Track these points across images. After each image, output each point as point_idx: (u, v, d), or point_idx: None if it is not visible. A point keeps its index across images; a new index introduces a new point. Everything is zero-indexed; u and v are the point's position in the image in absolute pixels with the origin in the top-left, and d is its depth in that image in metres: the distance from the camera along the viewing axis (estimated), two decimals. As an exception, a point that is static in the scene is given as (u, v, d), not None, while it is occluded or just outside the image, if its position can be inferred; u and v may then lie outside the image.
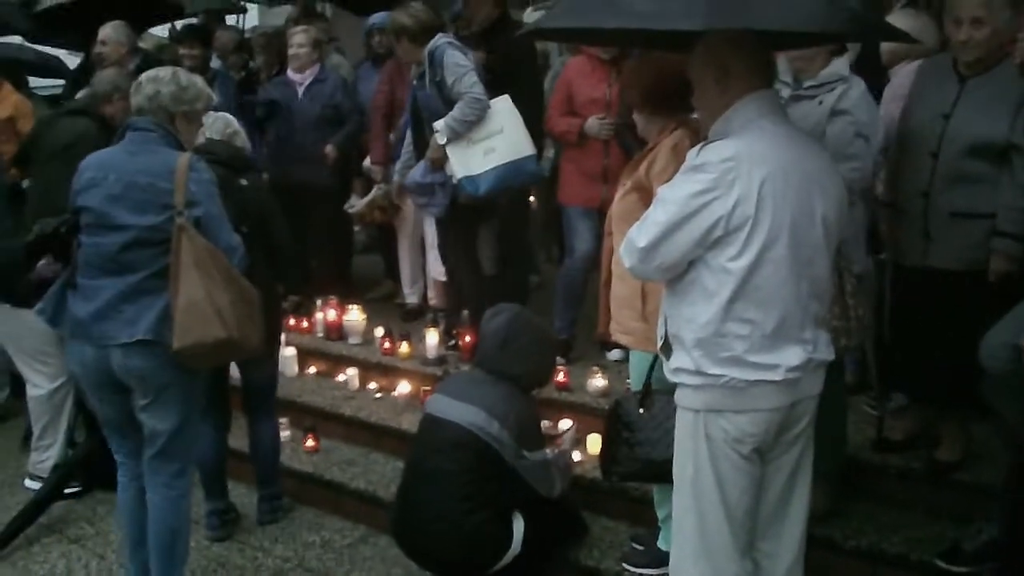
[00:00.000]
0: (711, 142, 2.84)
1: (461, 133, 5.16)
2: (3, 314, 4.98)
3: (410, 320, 6.41)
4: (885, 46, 4.69)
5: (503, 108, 5.23)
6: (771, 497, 3.08)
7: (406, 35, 5.28)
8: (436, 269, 6.09)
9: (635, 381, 3.74)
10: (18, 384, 5.56)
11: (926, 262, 3.86)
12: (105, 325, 3.55)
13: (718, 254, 2.78)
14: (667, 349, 3.01)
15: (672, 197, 2.80)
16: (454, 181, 5.22)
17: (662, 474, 3.28)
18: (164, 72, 3.78)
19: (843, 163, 3.48)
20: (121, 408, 3.74)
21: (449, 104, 5.16)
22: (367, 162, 6.49)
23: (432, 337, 5.71)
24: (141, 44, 7.26)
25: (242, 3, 9.48)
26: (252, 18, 10.27)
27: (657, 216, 2.82)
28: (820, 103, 3.77)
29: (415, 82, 5.42)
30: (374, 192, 6.30)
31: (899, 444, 4.26)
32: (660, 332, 3.06)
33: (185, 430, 3.75)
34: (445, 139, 5.17)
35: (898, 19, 4.52)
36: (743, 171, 2.72)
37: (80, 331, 3.62)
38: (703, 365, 2.86)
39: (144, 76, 3.78)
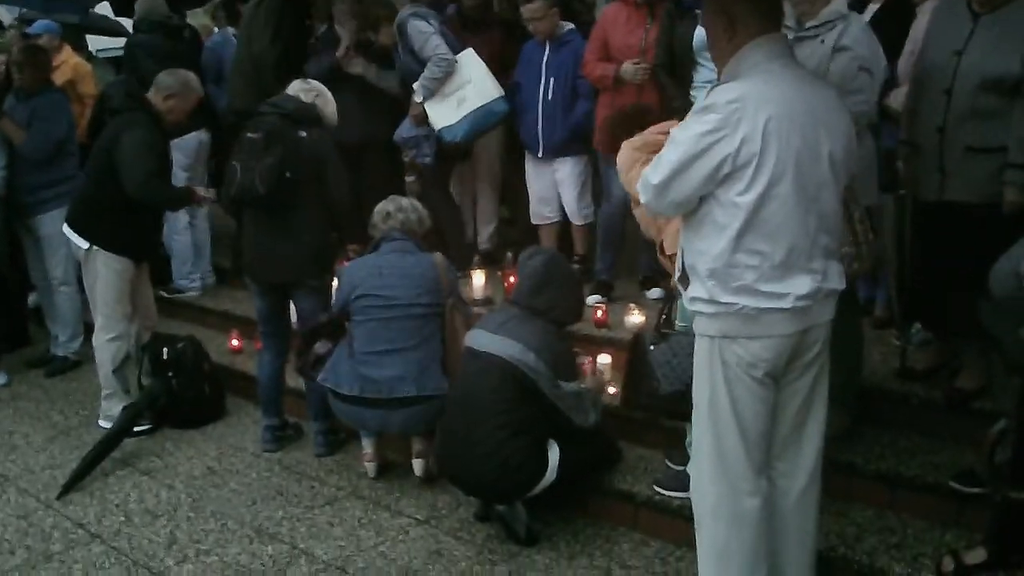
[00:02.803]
0: (720, 84, 3.01)
1: (434, 90, 5.93)
2: (92, 256, 5.33)
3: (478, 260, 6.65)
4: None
5: (469, 60, 5.96)
6: (787, 420, 3.23)
7: (384, 20, 6.06)
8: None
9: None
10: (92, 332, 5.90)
11: (942, 196, 3.96)
12: None
13: (727, 189, 2.94)
14: (684, 280, 3.18)
15: (682, 137, 2.97)
16: (435, 134, 5.99)
17: (673, 408, 3.48)
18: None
19: (848, 97, 3.61)
20: None
21: (423, 67, 5.94)
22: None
23: (479, 278, 5.94)
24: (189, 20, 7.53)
25: None
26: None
27: (669, 155, 2.99)
28: (822, 42, 3.87)
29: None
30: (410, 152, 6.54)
31: (921, 374, 4.41)
32: (678, 264, 3.25)
33: None
34: (422, 97, 5.94)
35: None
36: (748, 111, 2.87)
37: None
38: (716, 294, 3.03)
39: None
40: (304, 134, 4.79)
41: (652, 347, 3.86)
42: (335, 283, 5.08)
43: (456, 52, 5.99)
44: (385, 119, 6.33)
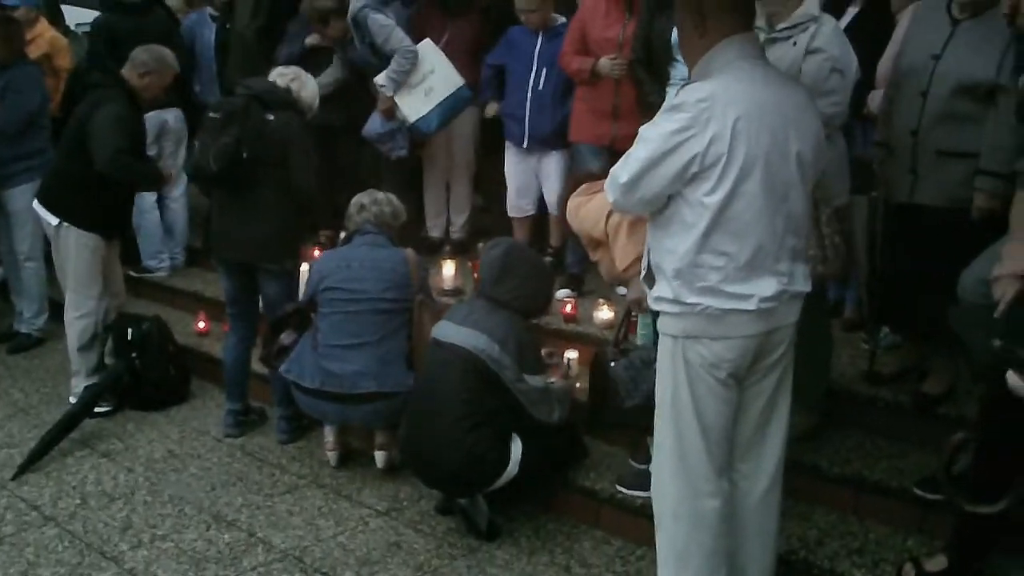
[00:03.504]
0: (690, 82, 2.97)
1: (402, 82, 5.94)
2: (63, 232, 5.26)
3: (431, 253, 6.59)
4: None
5: (428, 49, 6.05)
6: (750, 421, 3.22)
7: (332, 14, 6.04)
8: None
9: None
10: (57, 309, 5.82)
11: (913, 199, 3.96)
12: None
13: (695, 189, 2.91)
14: (650, 279, 3.16)
15: (651, 135, 2.93)
16: (407, 125, 6.03)
17: (636, 421, 3.47)
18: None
19: (821, 99, 3.59)
20: None
21: (383, 59, 5.98)
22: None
23: (448, 268, 5.89)
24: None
25: None
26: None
27: (638, 153, 2.95)
28: (794, 44, 3.85)
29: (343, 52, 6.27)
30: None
31: (889, 377, 4.39)
32: (644, 263, 3.22)
33: None
34: (392, 91, 5.95)
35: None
36: (717, 111, 2.83)
37: None
38: (681, 294, 3.00)
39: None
40: (271, 117, 4.73)
41: (612, 363, 3.88)
42: (304, 270, 5.03)
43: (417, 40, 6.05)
44: (363, 103, 6.28)
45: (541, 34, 5.74)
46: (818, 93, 3.61)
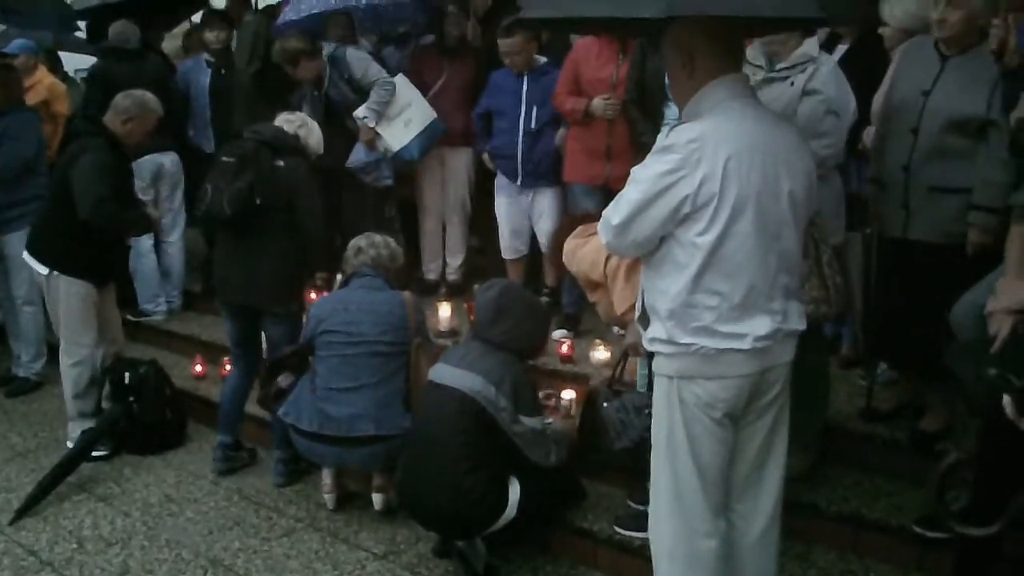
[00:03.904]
0: (679, 124, 3.00)
1: (382, 113, 6.17)
2: (53, 281, 5.28)
3: (428, 295, 6.61)
4: (886, 29, 4.77)
5: (403, 84, 6.29)
6: (746, 461, 3.21)
7: (303, 55, 6.12)
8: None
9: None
10: (55, 353, 5.82)
11: (906, 235, 3.98)
12: None
13: (687, 230, 2.92)
14: (644, 320, 3.17)
15: (642, 176, 2.95)
16: (389, 156, 6.26)
17: (625, 463, 3.46)
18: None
19: (815, 140, 3.63)
20: None
21: (362, 94, 6.22)
22: None
23: (444, 310, 5.90)
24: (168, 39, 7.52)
25: None
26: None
27: (629, 195, 2.97)
28: (791, 84, 3.89)
29: (315, 94, 6.35)
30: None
31: (885, 414, 4.39)
32: (638, 304, 3.23)
33: None
34: (374, 122, 6.16)
35: (896, 1, 4.62)
36: (708, 151, 2.85)
37: None
38: (675, 335, 3.01)
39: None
40: (281, 162, 4.80)
41: (605, 404, 3.90)
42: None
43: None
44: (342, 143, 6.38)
45: (526, 75, 5.81)
46: (812, 134, 3.66)
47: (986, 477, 3.22)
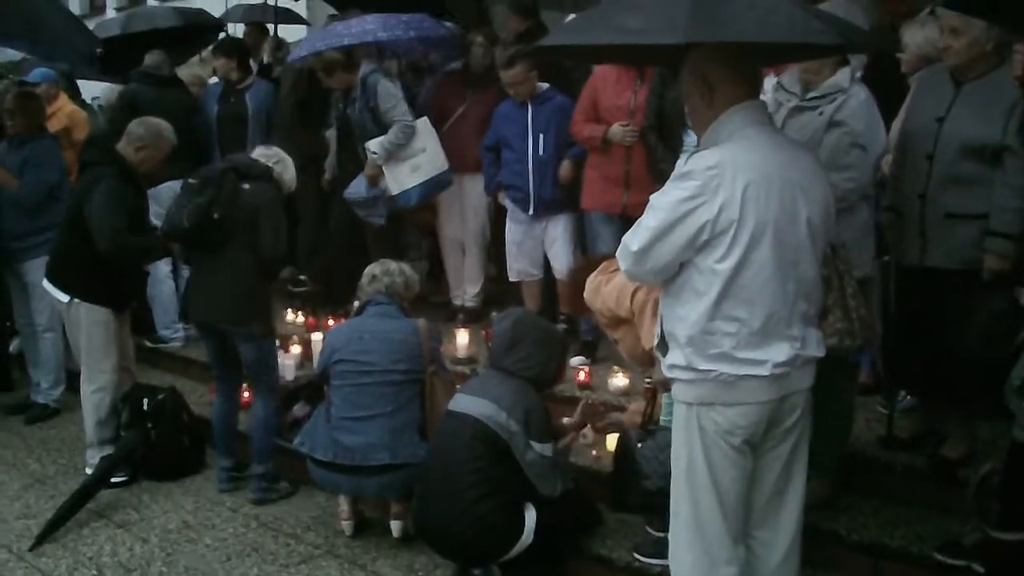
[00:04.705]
0: (698, 151, 3.01)
1: (393, 153, 6.16)
2: (74, 309, 5.33)
3: (452, 320, 6.64)
4: (904, 56, 4.79)
5: (424, 128, 6.27)
6: (766, 488, 3.20)
7: (339, 67, 6.17)
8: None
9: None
10: (74, 379, 5.85)
11: (923, 262, 3.98)
12: None
13: (706, 256, 2.94)
14: (663, 347, 3.17)
15: (661, 203, 2.97)
16: (388, 195, 6.25)
17: (663, 504, 3.44)
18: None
19: (839, 172, 3.64)
20: None
21: (380, 126, 6.06)
22: None
23: (462, 337, 5.92)
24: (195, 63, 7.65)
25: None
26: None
27: (648, 222, 2.98)
28: (820, 114, 3.91)
29: (340, 104, 6.46)
30: None
31: (906, 441, 4.37)
32: (656, 331, 3.23)
33: None
34: (383, 160, 6.17)
35: (916, 28, 4.64)
36: (727, 178, 2.87)
37: None
38: (694, 361, 3.01)
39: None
40: (246, 186, 4.92)
41: (640, 444, 3.85)
42: (317, 340, 5.06)
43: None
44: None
45: (530, 103, 5.84)
46: (835, 167, 3.67)
47: (1016, 475, 3.19)
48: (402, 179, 6.23)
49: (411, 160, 6.24)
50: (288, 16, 9.38)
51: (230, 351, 5.11)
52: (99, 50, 6.27)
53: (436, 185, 6.34)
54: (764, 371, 2.97)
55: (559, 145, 5.77)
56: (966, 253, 3.85)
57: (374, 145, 6.20)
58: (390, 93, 6.22)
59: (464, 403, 4.13)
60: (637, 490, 3.87)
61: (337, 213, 6.72)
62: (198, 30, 8.75)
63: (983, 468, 3.35)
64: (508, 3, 6.71)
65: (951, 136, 3.86)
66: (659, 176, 4.89)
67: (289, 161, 5.22)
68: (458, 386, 4.63)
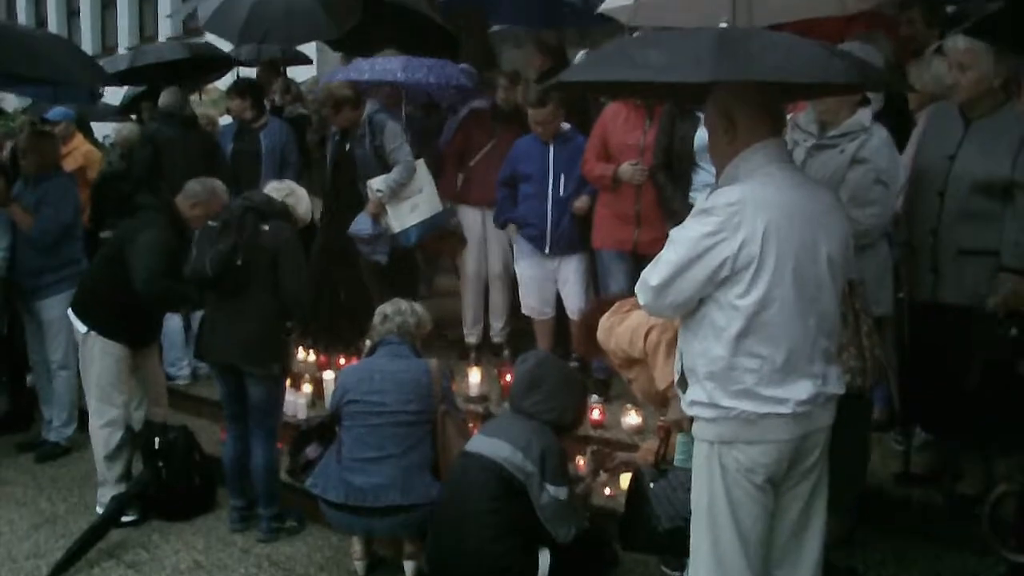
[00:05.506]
0: (719, 186, 3.04)
1: (396, 192, 6.34)
2: (90, 340, 5.35)
3: (465, 358, 6.66)
4: (913, 94, 4.84)
5: (422, 168, 6.47)
6: (786, 526, 3.18)
7: (348, 104, 6.31)
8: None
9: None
10: (86, 418, 5.84)
11: (936, 298, 4.01)
12: None
13: (726, 292, 2.95)
14: (683, 383, 3.17)
15: (682, 238, 2.99)
16: (390, 233, 6.44)
17: (673, 545, 3.42)
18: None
19: (863, 208, 3.67)
20: None
21: (383, 165, 6.39)
22: None
23: (474, 375, 5.92)
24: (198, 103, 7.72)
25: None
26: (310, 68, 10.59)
27: (668, 256, 3.00)
28: (841, 152, 3.94)
29: (337, 139, 6.64)
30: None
31: (922, 478, 4.36)
32: (676, 367, 3.23)
33: None
34: (387, 198, 6.34)
35: (923, 66, 4.69)
36: (748, 214, 2.89)
37: None
38: (716, 397, 3.01)
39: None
40: (266, 227, 4.94)
41: (652, 484, 3.82)
42: (329, 379, 5.05)
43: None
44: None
45: (553, 142, 5.88)
46: (859, 203, 3.70)
47: None
48: (403, 218, 6.41)
49: (410, 200, 6.43)
50: (296, 57, 9.49)
51: (243, 391, 5.11)
52: (102, 91, 6.37)
53: (432, 225, 6.52)
54: (787, 409, 2.97)
55: (578, 186, 5.80)
56: (979, 289, 3.87)
57: (378, 183, 6.31)
58: (396, 133, 6.37)
59: (481, 444, 4.13)
60: (651, 530, 3.85)
61: (317, 250, 6.80)
62: (207, 63, 8.82)
63: (996, 491, 3.33)
64: (534, 42, 6.88)
65: (962, 173, 3.90)
66: (670, 214, 4.94)
67: (302, 193, 5.26)
68: (471, 426, 4.63)
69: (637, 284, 3.14)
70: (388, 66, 6.59)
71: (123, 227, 5.47)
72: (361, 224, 6.46)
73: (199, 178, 5.52)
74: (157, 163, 5.82)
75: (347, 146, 6.56)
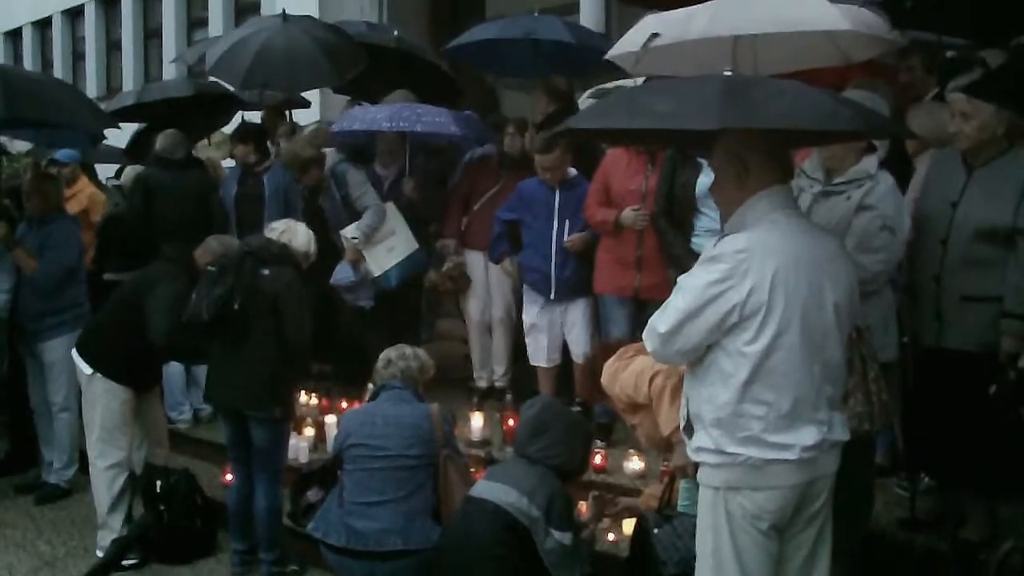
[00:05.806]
0: (726, 234, 3.07)
1: (370, 236, 6.50)
2: (94, 382, 5.36)
3: (474, 402, 6.61)
4: (912, 141, 4.88)
5: (392, 211, 6.64)
6: (791, 572, 3.19)
7: (314, 164, 6.62)
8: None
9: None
10: (86, 460, 5.83)
11: (940, 344, 4.03)
12: None
13: (734, 339, 2.98)
14: (689, 429, 3.19)
15: (690, 285, 3.02)
16: (370, 277, 6.59)
17: None
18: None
19: (869, 255, 3.70)
20: None
21: (352, 213, 6.61)
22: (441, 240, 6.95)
23: (477, 420, 5.91)
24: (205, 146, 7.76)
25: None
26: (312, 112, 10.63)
27: (676, 303, 3.03)
28: (848, 198, 3.97)
29: (306, 195, 6.82)
30: (447, 264, 6.76)
31: (926, 523, 4.35)
32: (682, 413, 3.25)
33: None
34: (363, 243, 6.51)
35: (923, 113, 4.74)
36: (756, 262, 2.93)
37: None
38: (722, 444, 3.03)
39: None
40: (266, 271, 4.95)
41: (656, 530, 3.83)
42: (331, 423, 5.04)
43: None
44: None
45: (558, 188, 5.90)
46: (866, 249, 3.73)
47: None
48: (380, 261, 6.57)
49: (385, 243, 6.60)
50: (299, 101, 9.55)
51: (249, 435, 5.10)
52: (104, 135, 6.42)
53: (412, 264, 6.68)
54: (792, 455, 2.99)
55: (583, 232, 5.81)
56: (982, 335, 3.90)
57: (351, 231, 6.49)
58: (360, 181, 6.63)
59: (486, 489, 4.13)
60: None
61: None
62: (211, 104, 8.87)
63: (1003, 547, 3.33)
64: (543, 86, 6.86)
65: (965, 220, 3.94)
66: (671, 259, 4.97)
67: (297, 226, 5.25)
68: (473, 470, 4.62)
69: (645, 331, 3.17)
70: (376, 115, 6.67)
71: (142, 274, 5.50)
72: (342, 273, 6.60)
73: (219, 236, 5.57)
74: (149, 207, 5.83)
75: (318, 200, 6.74)
